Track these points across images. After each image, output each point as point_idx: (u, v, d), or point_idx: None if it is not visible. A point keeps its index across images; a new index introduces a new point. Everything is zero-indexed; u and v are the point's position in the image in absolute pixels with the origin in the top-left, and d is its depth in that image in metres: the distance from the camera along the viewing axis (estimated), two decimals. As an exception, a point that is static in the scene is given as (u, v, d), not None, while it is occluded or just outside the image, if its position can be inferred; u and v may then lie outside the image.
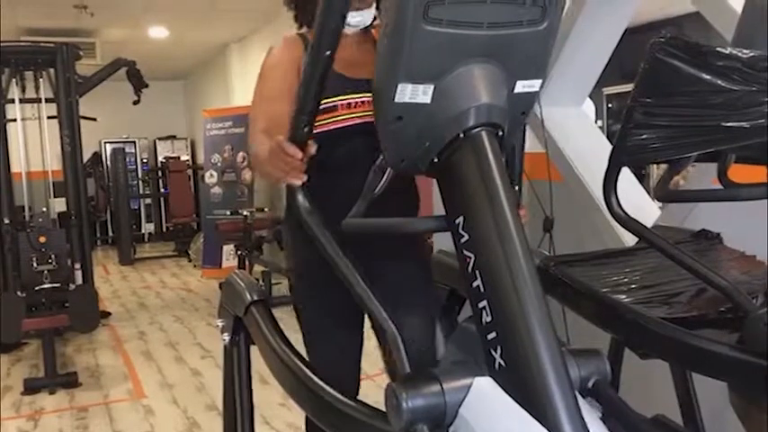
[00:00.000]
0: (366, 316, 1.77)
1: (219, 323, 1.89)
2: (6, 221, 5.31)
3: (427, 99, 1.14)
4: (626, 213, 1.59)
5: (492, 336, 1.07)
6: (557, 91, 3.02)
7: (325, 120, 1.73)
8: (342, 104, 1.74)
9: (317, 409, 1.40)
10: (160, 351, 5.23)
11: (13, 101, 5.76)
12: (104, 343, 5.52)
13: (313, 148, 1.39)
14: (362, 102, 1.73)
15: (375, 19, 1.80)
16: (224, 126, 8.35)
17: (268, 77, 1.83)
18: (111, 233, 11.32)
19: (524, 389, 1.03)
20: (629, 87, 1.58)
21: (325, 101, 1.67)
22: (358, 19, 1.75)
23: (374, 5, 1.77)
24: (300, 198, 1.40)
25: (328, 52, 1.23)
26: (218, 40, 9.08)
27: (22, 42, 6.47)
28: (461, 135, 1.15)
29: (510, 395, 1.04)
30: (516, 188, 1.55)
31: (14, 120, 5.83)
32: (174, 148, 12.09)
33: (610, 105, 8.45)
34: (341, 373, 1.85)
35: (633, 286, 1.71)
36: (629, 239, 2.41)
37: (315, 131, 1.63)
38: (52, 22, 7.34)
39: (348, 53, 1.75)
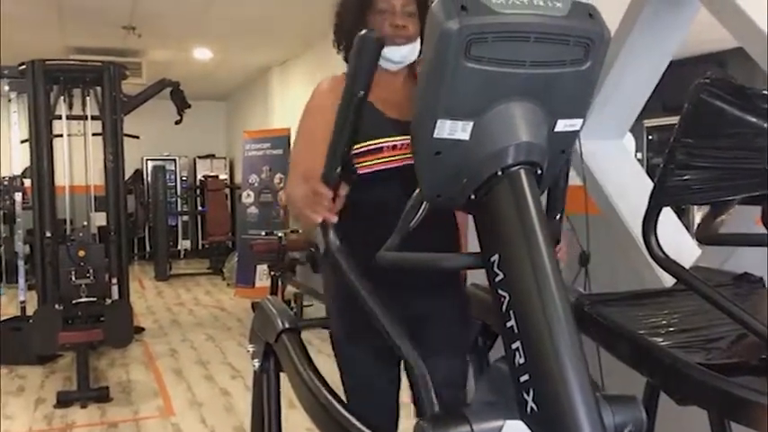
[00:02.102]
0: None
1: (250, 348, 1.90)
2: (48, 234, 5.44)
3: (466, 135, 1.14)
4: (665, 254, 1.56)
5: (525, 378, 1.05)
6: (597, 124, 2.99)
7: (370, 161, 1.72)
8: (387, 146, 1.72)
9: (344, 442, 1.39)
10: (191, 369, 5.26)
11: (60, 117, 5.91)
12: (137, 358, 5.57)
13: (344, 190, 1.44)
14: (408, 144, 1.71)
15: (420, 54, 1.79)
16: (262, 147, 8.45)
17: (310, 121, 1.81)
18: (148, 249, 11.49)
19: (557, 435, 1.01)
20: (669, 120, 1.56)
21: (371, 142, 1.70)
22: (402, 54, 1.71)
23: (418, 40, 1.74)
24: (331, 236, 1.42)
25: (362, 93, 1.26)
26: (260, 63, 9.22)
27: (71, 61, 6.65)
28: (499, 173, 1.14)
29: (541, 440, 1.02)
30: (558, 219, 1.53)
31: (60, 135, 5.98)
32: (213, 166, 12.26)
33: (650, 138, 8.34)
34: (378, 410, 1.82)
35: (671, 329, 1.67)
36: (668, 276, 2.36)
37: (360, 172, 1.67)
38: (101, 41, 7.54)
39: (393, 93, 1.75)
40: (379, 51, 1.26)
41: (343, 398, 1.57)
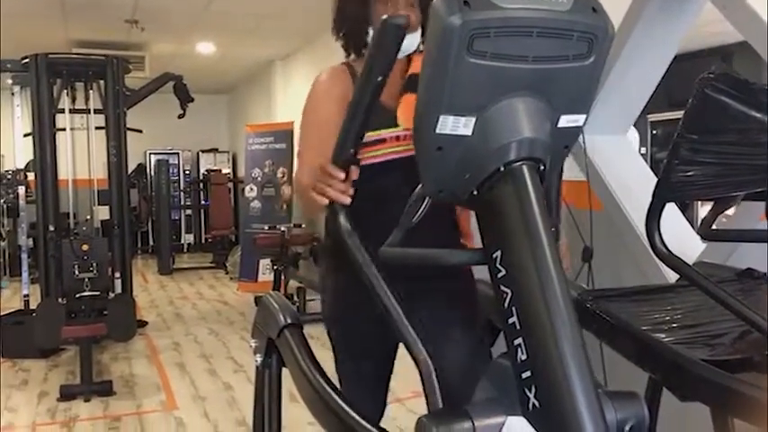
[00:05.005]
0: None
1: (253, 344, 1.90)
2: (51, 228, 5.45)
3: (468, 131, 1.13)
4: (668, 250, 1.55)
5: (527, 374, 1.05)
6: (600, 119, 2.98)
7: (373, 152, 1.71)
8: (390, 137, 1.71)
9: (345, 437, 1.39)
10: (194, 363, 5.28)
11: (63, 111, 5.92)
12: (140, 352, 5.59)
13: (356, 173, 1.41)
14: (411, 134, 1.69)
15: (420, 45, 1.78)
16: (265, 141, 8.45)
17: (315, 110, 1.79)
18: (151, 243, 11.51)
19: (558, 431, 1.01)
20: (674, 115, 1.56)
21: (374, 133, 1.69)
22: (404, 44, 1.71)
23: (419, 30, 1.74)
24: (342, 219, 1.38)
25: (380, 78, 1.24)
26: (263, 57, 9.21)
27: (74, 54, 6.65)
28: (502, 168, 1.14)
29: (543, 437, 1.02)
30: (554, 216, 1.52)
31: (63, 129, 5.99)
32: (216, 160, 12.28)
33: (655, 132, 8.32)
34: (365, 396, 1.85)
35: (674, 325, 1.67)
36: (671, 272, 2.35)
37: (362, 164, 1.65)
38: (104, 35, 7.54)
39: (392, 84, 1.73)
40: (402, 38, 1.23)
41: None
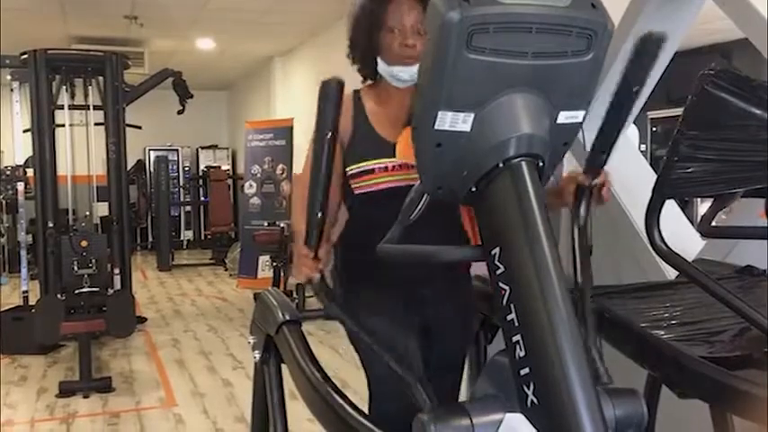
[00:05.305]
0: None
1: (251, 340, 1.89)
2: (50, 224, 5.44)
3: (467, 127, 1.13)
4: (668, 247, 1.55)
5: (525, 371, 1.05)
6: (600, 115, 2.97)
7: (362, 182, 1.74)
8: (379, 168, 1.72)
9: (343, 434, 1.39)
10: (193, 359, 5.27)
11: (62, 107, 5.91)
12: (139, 349, 5.59)
13: (325, 249, 1.50)
14: (400, 165, 1.68)
15: None
16: (265, 138, 8.44)
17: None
18: (150, 239, 11.50)
19: (557, 428, 1.01)
20: (674, 112, 1.55)
21: (363, 164, 1.72)
22: (411, 73, 1.68)
23: None
24: (321, 294, 1.50)
25: (329, 134, 1.26)
26: (262, 53, 9.20)
27: (73, 50, 6.64)
28: (501, 165, 1.13)
29: (541, 434, 1.02)
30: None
31: (63, 125, 5.98)
32: (215, 157, 12.26)
33: (654, 129, 8.31)
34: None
35: (673, 322, 1.67)
36: (671, 269, 2.35)
37: (356, 193, 1.71)
38: (103, 31, 7.52)
39: (400, 110, 1.70)
40: (341, 94, 1.26)
41: (344, 390, 1.57)
